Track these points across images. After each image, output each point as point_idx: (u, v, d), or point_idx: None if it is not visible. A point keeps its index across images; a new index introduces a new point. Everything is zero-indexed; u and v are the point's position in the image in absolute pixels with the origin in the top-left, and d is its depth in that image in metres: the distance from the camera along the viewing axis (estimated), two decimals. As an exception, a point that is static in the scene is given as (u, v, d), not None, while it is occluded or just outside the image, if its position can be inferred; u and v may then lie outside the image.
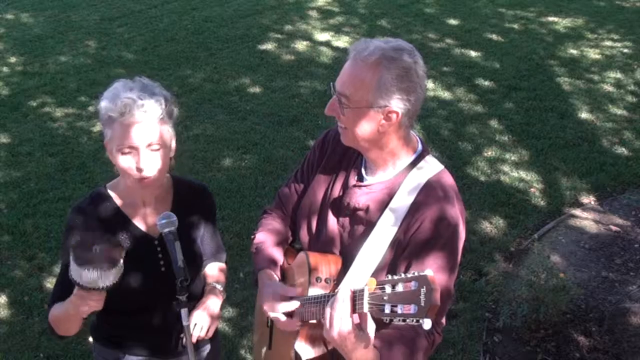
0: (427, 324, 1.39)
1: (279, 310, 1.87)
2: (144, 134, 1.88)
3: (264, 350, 2.20)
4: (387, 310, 1.44)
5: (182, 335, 2.09)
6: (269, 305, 1.90)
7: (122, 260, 1.80)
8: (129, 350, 2.18)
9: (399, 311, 1.42)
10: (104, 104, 1.90)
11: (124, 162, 1.91)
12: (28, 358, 3.52)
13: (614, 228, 4.49)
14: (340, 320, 1.55)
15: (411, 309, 1.40)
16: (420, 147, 1.91)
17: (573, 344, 3.52)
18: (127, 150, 1.89)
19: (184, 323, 1.92)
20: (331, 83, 1.83)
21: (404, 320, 1.42)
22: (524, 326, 3.59)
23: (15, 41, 7.83)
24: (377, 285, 1.49)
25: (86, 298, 1.80)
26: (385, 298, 1.45)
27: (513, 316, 3.58)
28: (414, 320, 1.40)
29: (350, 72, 1.77)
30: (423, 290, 1.39)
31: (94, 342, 2.26)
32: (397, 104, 1.74)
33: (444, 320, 1.86)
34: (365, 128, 1.79)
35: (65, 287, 1.89)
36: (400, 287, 1.43)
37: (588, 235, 4.41)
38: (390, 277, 1.47)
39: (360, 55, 1.75)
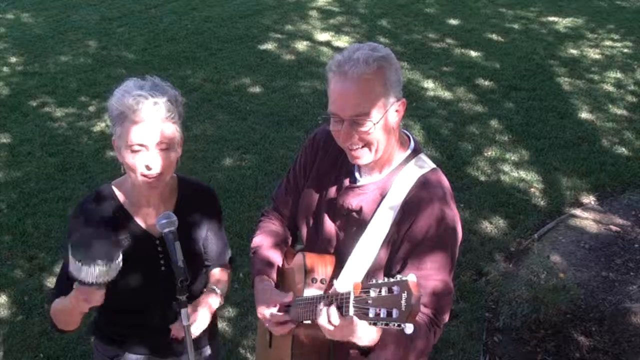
0: (409, 328, 1.42)
1: (269, 317, 1.91)
2: (154, 132, 1.89)
3: (264, 349, 2.21)
4: (372, 314, 1.46)
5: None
6: (261, 313, 1.94)
7: (120, 257, 1.80)
8: (129, 348, 2.19)
9: (382, 315, 1.44)
10: (115, 99, 1.90)
11: (133, 160, 1.91)
12: (28, 358, 3.52)
13: (614, 228, 4.49)
14: (331, 326, 1.58)
15: (393, 313, 1.42)
16: (412, 145, 1.92)
17: (573, 344, 3.52)
18: (136, 147, 1.89)
19: (184, 323, 1.92)
20: (330, 114, 1.78)
21: (386, 324, 1.44)
22: (524, 326, 3.59)
23: (15, 41, 7.83)
24: (362, 289, 1.51)
25: (85, 294, 1.80)
26: (369, 302, 1.47)
27: (513, 316, 3.58)
28: (396, 325, 1.42)
29: (356, 91, 1.73)
30: (404, 295, 1.41)
31: (95, 339, 2.27)
32: (400, 94, 1.81)
33: (446, 317, 1.86)
34: (390, 130, 1.81)
35: (67, 282, 1.89)
36: (384, 292, 1.45)
37: (588, 235, 4.41)
38: (375, 281, 1.49)
39: (356, 72, 1.72)
